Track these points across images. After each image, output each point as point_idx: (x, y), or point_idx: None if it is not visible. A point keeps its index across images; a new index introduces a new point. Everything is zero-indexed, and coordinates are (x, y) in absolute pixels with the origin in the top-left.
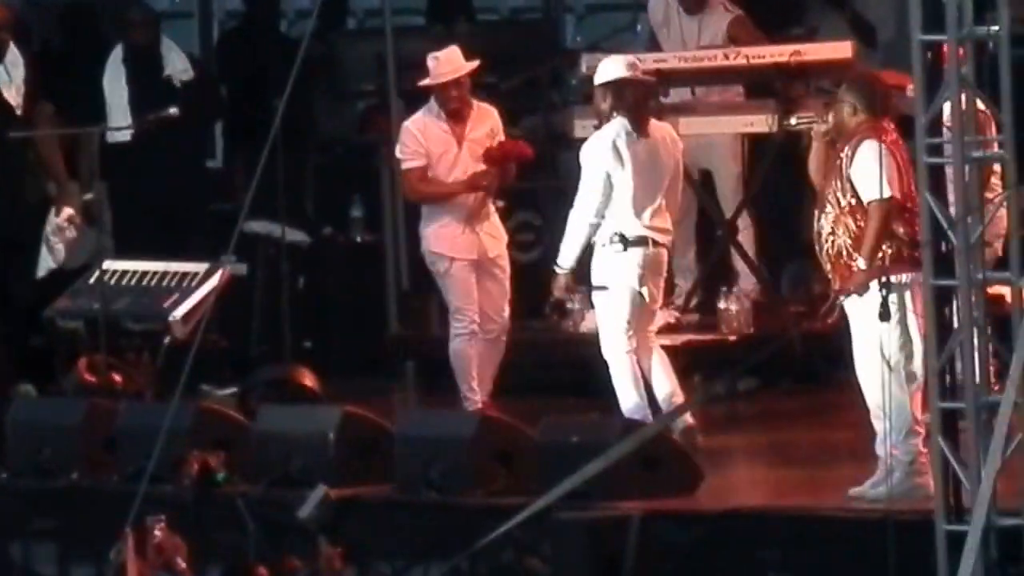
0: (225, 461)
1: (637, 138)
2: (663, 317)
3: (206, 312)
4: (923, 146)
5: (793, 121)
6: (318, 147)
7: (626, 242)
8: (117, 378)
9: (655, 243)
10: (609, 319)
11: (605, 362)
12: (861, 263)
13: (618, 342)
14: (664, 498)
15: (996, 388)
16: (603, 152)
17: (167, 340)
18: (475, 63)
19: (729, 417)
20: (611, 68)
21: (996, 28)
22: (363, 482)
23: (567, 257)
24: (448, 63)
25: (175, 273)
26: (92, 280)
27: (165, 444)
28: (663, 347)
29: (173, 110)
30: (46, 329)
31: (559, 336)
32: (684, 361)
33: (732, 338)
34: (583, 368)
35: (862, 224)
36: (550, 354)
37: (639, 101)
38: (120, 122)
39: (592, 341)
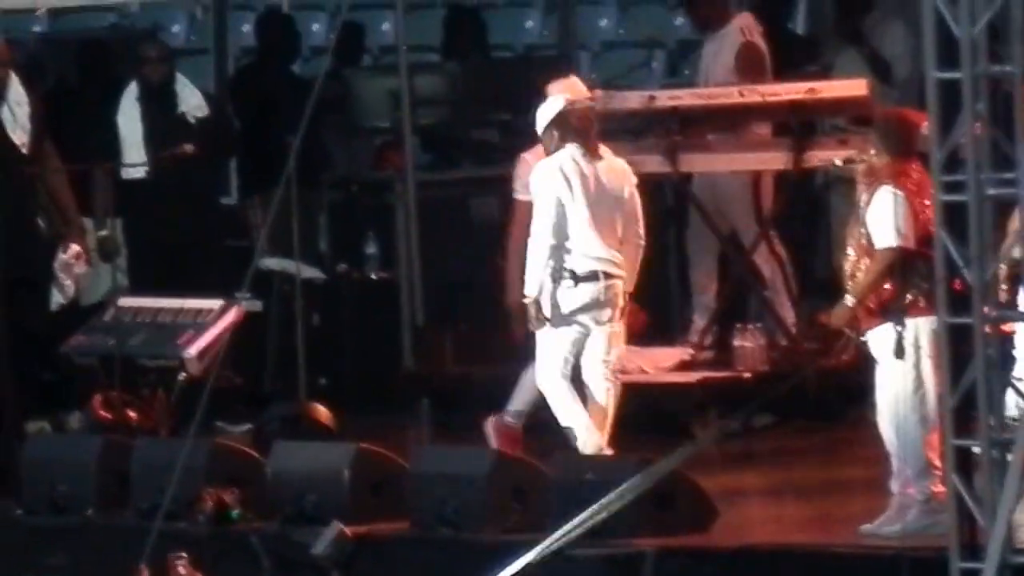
0: (240, 498)
1: (589, 161)
2: (678, 354)
3: (221, 349)
4: (939, 183)
5: (838, 162)
6: (332, 184)
7: (576, 278)
8: (132, 415)
9: (607, 275)
10: (548, 352)
11: (622, 400)
12: (848, 300)
13: (552, 374)
14: (678, 535)
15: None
16: (552, 176)
17: (182, 377)
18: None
19: (744, 454)
20: (551, 106)
21: (1011, 66)
22: (378, 519)
23: (532, 285)
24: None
25: (190, 310)
26: (107, 317)
27: (180, 481)
28: (679, 384)
29: (188, 147)
30: (61, 366)
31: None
32: (699, 398)
33: (747, 375)
34: None
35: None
36: None
37: (584, 125)
38: (135, 159)
39: None
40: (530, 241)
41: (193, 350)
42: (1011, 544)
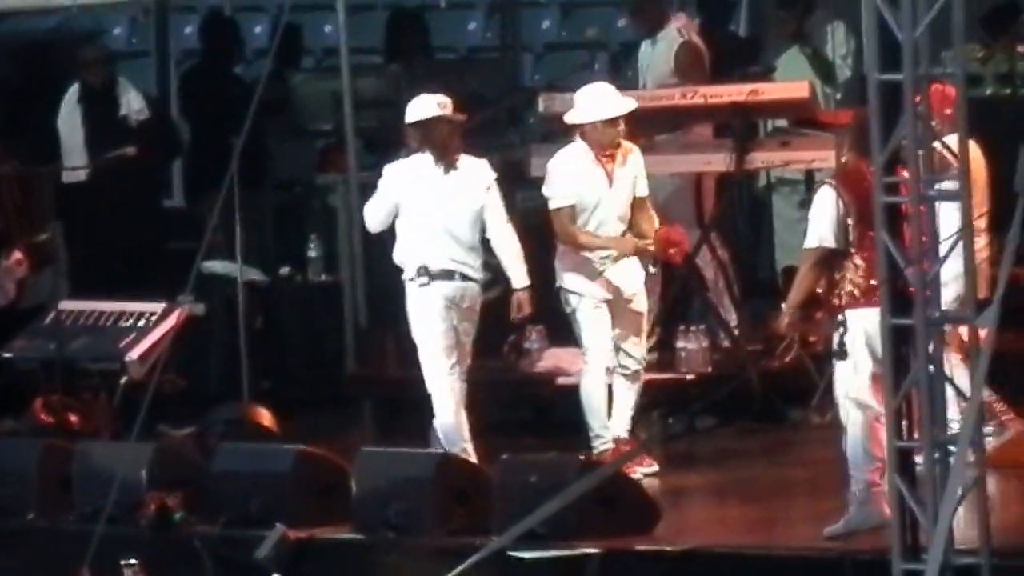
0: (182, 501)
1: (445, 173)
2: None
3: (163, 352)
4: (880, 184)
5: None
6: (276, 186)
7: (430, 275)
8: (74, 418)
9: (464, 276)
10: (426, 352)
11: (565, 401)
12: (784, 306)
13: (439, 372)
14: (622, 537)
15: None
16: (400, 176)
17: (124, 380)
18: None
19: (687, 456)
20: (421, 108)
21: (952, 68)
22: (321, 522)
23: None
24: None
25: (132, 313)
26: (48, 320)
27: (122, 484)
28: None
29: (130, 150)
30: (2, 370)
31: (517, 375)
32: (643, 399)
33: (690, 377)
34: (541, 407)
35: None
36: (508, 393)
37: (447, 138)
38: (76, 162)
39: (550, 381)
40: (366, 219)
41: (135, 353)
42: (952, 545)
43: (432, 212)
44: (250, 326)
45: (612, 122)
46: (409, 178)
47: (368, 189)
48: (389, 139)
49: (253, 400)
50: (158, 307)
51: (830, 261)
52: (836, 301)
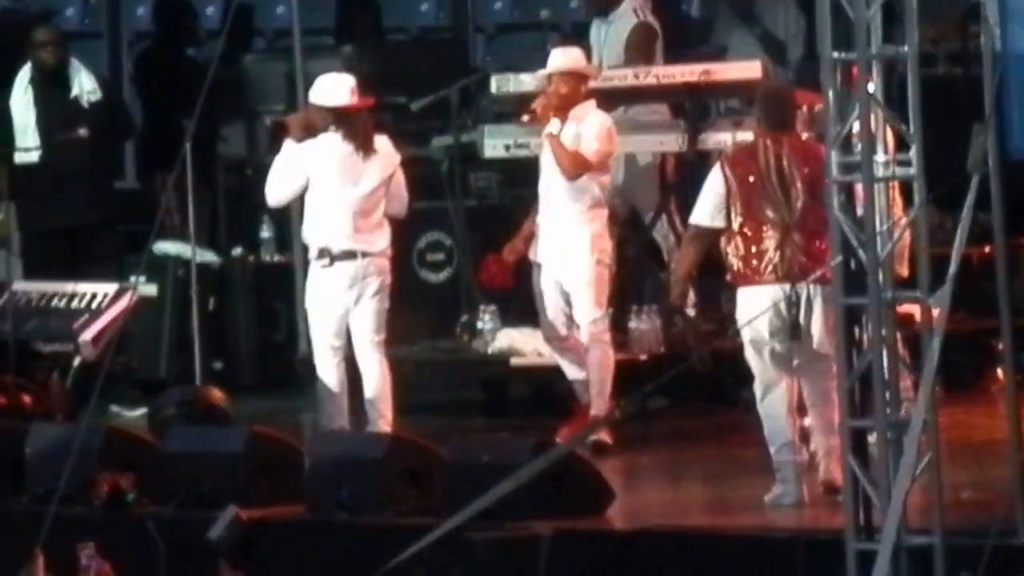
0: (135, 482)
1: (360, 160)
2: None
3: (116, 333)
4: (833, 164)
5: None
6: (227, 168)
7: (332, 256)
8: (27, 399)
9: (364, 254)
10: (316, 333)
11: (518, 381)
12: (672, 280)
13: (327, 354)
14: (574, 517)
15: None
16: (312, 153)
17: (77, 361)
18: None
19: (639, 436)
20: (335, 93)
21: (905, 48)
22: (273, 503)
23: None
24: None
25: (84, 294)
26: (1, 301)
27: (75, 465)
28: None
29: (83, 131)
30: None
31: (469, 356)
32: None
33: (643, 357)
34: (493, 388)
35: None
36: (460, 374)
37: (365, 124)
38: (28, 143)
39: (503, 361)
40: (268, 192)
41: (88, 335)
42: (905, 525)
43: (342, 191)
44: (202, 307)
45: (547, 79)
46: (321, 156)
47: None
48: None
49: (205, 381)
50: (111, 288)
51: (709, 238)
52: (732, 279)
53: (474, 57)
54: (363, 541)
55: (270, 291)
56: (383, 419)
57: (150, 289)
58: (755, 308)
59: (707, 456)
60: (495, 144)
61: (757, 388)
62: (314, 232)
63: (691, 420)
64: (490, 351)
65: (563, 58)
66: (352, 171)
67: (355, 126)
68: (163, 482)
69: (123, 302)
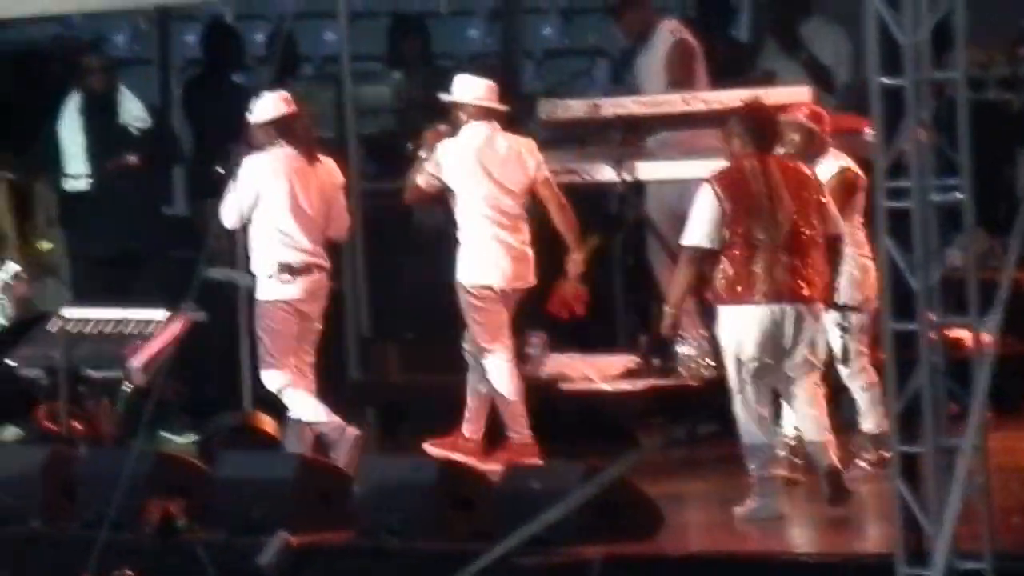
0: (185, 508)
1: (309, 165)
2: (624, 362)
3: (166, 359)
4: (883, 189)
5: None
6: None
7: (293, 271)
8: (77, 426)
9: (319, 268)
10: (277, 351)
11: (568, 407)
12: (666, 307)
13: (286, 372)
14: (624, 542)
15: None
16: (261, 169)
17: (127, 388)
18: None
19: (689, 461)
20: (274, 106)
21: (954, 72)
22: (323, 529)
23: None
24: None
25: (134, 321)
26: (52, 328)
27: (125, 491)
28: (624, 392)
29: (132, 158)
30: (5, 378)
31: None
32: (644, 406)
33: (693, 383)
34: (543, 414)
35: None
36: None
37: (308, 131)
38: (77, 170)
39: (552, 387)
40: (223, 215)
41: (138, 361)
42: (956, 550)
43: (294, 206)
44: (251, 334)
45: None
46: (271, 172)
47: (371, 197)
48: (391, 146)
49: (255, 407)
50: (160, 314)
51: (706, 260)
52: (710, 297)
53: (522, 83)
54: (413, 567)
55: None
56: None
57: (200, 315)
58: (742, 327)
59: None
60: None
61: (738, 405)
62: (268, 248)
63: (740, 445)
64: (541, 376)
65: (460, 90)
66: (303, 184)
67: (297, 133)
68: (213, 508)
69: (173, 328)
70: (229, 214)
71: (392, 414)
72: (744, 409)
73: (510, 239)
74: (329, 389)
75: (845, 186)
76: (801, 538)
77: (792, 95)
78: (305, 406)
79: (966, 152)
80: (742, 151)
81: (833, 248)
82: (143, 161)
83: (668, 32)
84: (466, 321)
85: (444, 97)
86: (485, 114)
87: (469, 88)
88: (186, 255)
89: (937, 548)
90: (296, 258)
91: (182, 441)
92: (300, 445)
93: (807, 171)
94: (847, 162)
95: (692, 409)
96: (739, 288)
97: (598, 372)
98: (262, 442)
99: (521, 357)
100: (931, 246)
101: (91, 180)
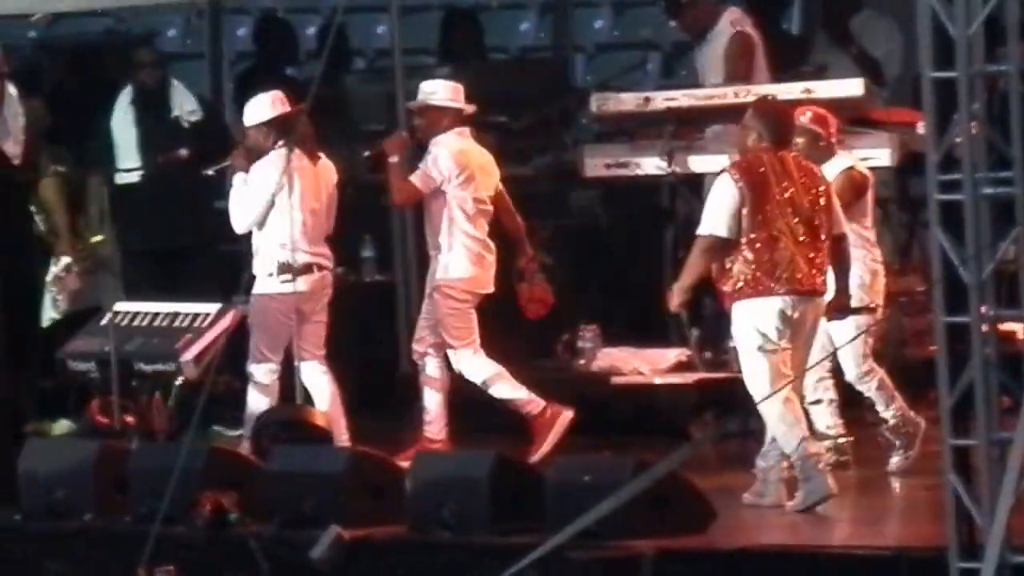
0: (237, 502)
1: (310, 165)
2: (675, 355)
3: (218, 353)
4: (934, 183)
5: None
6: None
7: (294, 271)
8: (129, 420)
9: (320, 267)
10: (265, 343)
11: (620, 400)
12: (676, 285)
13: (272, 367)
14: (676, 537)
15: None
16: (272, 175)
17: (179, 381)
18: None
19: (740, 455)
20: (271, 106)
21: (1007, 65)
22: (375, 522)
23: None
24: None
25: (186, 314)
26: (104, 322)
27: (178, 485)
28: (676, 385)
29: (184, 151)
30: (58, 371)
31: (570, 375)
32: (696, 399)
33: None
34: (595, 407)
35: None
36: (561, 393)
37: (307, 130)
38: (129, 163)
39: (604, 380)
40: (236, 220)
41: (190, 355)
42: (1009, 543)
43: (300, 205)
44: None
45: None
46: (279, 176)
47: None
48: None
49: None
50: (212, 308)
51: (721, 249)
52: (727, 290)
53: (574, 76)
54: (465, 560)
55: (371, 310)
56: (344, 435)
57: (251, 309)
58: (764, 318)
59: None
60: (595, 163)
61: (766, 394)
62: (272, 248)
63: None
64: (591, 370)
65: (441, 94)
66: (308, 183)
67: (297, 132)
68: (265, 502)
69: (225, 322)
70: (241, 220)
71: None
72: (775, 399)
73: (489, 243)
74: (380, 383)
75: (853, 185)
76: (853, 532)
77: (844, 88)
78: (259, 404)
79: (1019, 145)
80: (757, 145)
81: (839, 248)
82: (195, 154)
83: (729, 23)
84: (441, 321)
85: (433, 102)
86: (464, 119)
87: (450, 92)
88: (237, 249)
89: (989, 542)
90: (297, 258)
91: (234, 435)
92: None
93: (817, 169)
94: (854, 162)
95: (743, 402)
96: (761, 280)
97: (649, 365)
98: (314, 436)
99: (574, 351)
100: (983, 239)
101: (143, 174)
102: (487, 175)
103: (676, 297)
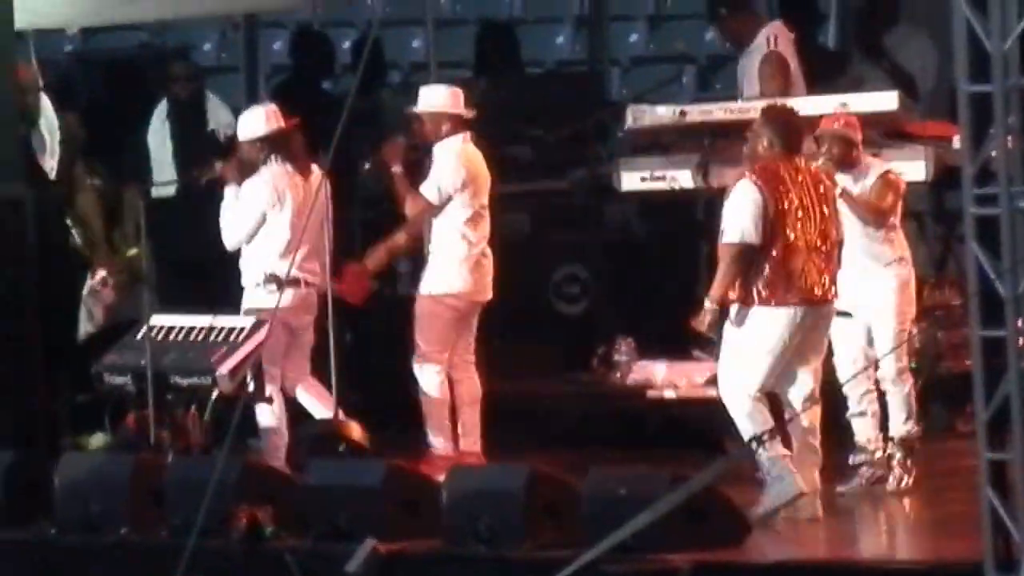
0: (273, 515)
1: (302, 181)
2: (711, 369)
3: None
4: (970, 196)
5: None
6: (364, 201)
7: (280, 283)
8: (165, 433)
9: (307, 283)
10: (267, 356)
11: (655, 414)
12: (707, 303)
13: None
14: (712, 550)
15: None
16: (262, 190)
17: (215, 395)
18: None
19: None
20: (264, 121)
21: None
22: (411, 536)
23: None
24: None
25: (222, 328)
26: (139, 335)
27: (213, 498)
28: (711, 399)
29: (219, 165)
30: (94, 385)
31: (606, 389)
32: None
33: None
34: (630, 420)
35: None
36: (597, 407)
37: (299, 145)
38: (165, 176)
39: (640, 394)
40: (227, 235)
41: (226, 368)
42: None
43: (291, 220)
44: (339, 341)
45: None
46: (272, 193)
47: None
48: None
49: (342, 414)
50: (248, 322)
51: (749, 257)
52: (751, 298)
53: (609, 90)
54: (500, 574)
55: (408, 324)
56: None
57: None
58: (775, 327)
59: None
60: (631, 177)
61: (746, 400)
62: (259, 260)
63: (828, 453)
64: (627, 383)
65: (443, 100)
66: (300, 198)
67: (290, 148)
68: (301, 515)
69: (260, 335)
70: (231, 236)
71: (482, 420)
72: (753, 406)
73: (487, 249)
74: (415, 396)
75: (894, 188)
76: (888, 545)
77: (879, 101)
78: (270, 420)
79: None
80: (768, 153)
81: (838, 254)
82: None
83: (765, 40)
84: (417, 324)
85: (434, 108)
86: (464, 124)
87: (451, 98)
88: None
89: None
90: (284, 271)
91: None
92: (270, 453)
93: (824, 177)
94: (888, 167)
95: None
96: (778, 288)
97: (685, 379)
98: (350, 449)
99: (609, 364)
100: (1019, 253)
101: (178, 187)
102: (486, 180)
103: (708, 316)
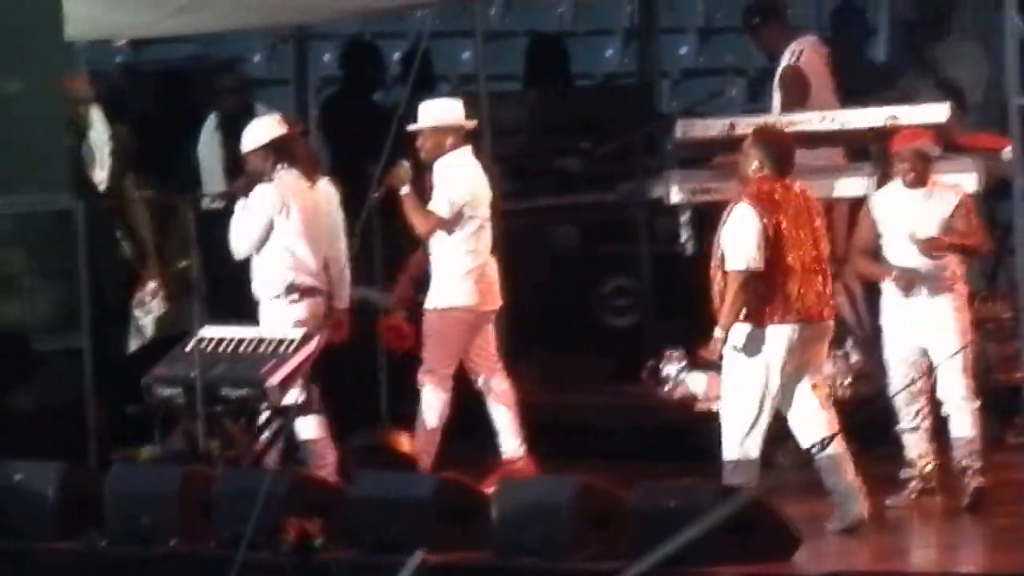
0: (322, 527)
1: (310, 187)
2: None
3: (303, 379)
4: (1021, 208)
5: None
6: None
7: (299, 292)
8: (214, 445)
9: (319, 291)
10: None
11: (704, 427)
12: (717, 331)
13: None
14: (761, 563)
15: None
16: (269, 198)
17: (264, 407)
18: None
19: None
20: (262, 131)
21: None
22: (460, 548)
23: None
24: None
25: (271, 340)
26: (189, 347)
27: (262, 510)
28: None
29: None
30: (143, 397)
31: (655, 401)
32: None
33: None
34: (679, 433)
35: (723, 285)
36: (646, 419)
37: (307, 152)
38: (215, 189)
39: (688, 406)
40: (234, 246)
41: (275, 380)
42: None
43: (301, 230)
44: (388, 352)
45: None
46: (280, 200)
47: (510, 217)
48: (528, 166)
49: (391, 426)
50: (297, 334)
51: (755, 282)
52: (750, 320)
53: (659, 102)
54: None
55: None
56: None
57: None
58: (775, 346)
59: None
60: (680, 189)
61: (746, 423)
62: (276, 270)
63: (878, 465)
64: (676, 396)
65: (448, 114)
66: (312, 207)
67: (295, 154)
68: (350, 527)
69: (310, 347)
70: (240, 244)
71: (528, 433)
72: (754, 429)
73: (491, 260)
74: (465, 407)
75: (974, 208)
76: (937, 558)
77: (929, 113)
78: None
79: None
80: (758, 173)
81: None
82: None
83: (790, 52)
84: (424, 338)
85: (436, 123)
86: (466, 137)
87: (451, 112)
88: None
89: None
90: (302, 280)
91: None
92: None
93: (812, 196)
94: (956, 184)
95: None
96: (774, 308)
97: None
98: (399, 461)
99: (658, 377)
100: None
101: (227, 200)
102: (486, 192)
103: (719, 345)
